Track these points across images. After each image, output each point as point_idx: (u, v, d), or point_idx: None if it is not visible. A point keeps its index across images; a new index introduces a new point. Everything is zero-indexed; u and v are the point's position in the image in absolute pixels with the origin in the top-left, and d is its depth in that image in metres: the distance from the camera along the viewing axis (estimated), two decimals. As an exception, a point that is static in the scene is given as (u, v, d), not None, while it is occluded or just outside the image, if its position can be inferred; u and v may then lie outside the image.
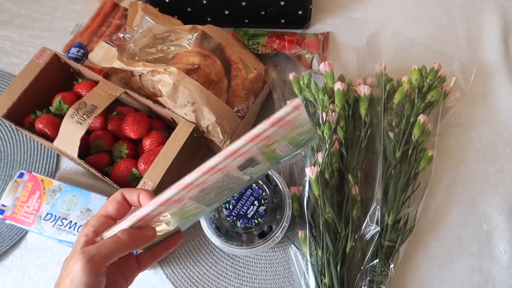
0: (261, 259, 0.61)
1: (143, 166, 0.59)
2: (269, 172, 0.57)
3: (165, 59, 0.64)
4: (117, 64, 0.62)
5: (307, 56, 0.70)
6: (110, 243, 0.35)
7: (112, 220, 0.39)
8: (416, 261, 0.60)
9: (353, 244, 0.56)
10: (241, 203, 0.55)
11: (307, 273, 0.56)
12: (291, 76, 0.65)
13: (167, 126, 0.67)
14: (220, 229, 0.55)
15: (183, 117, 0.60)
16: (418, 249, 0.60)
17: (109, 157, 0.63)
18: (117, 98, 0.62)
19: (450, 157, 0.65)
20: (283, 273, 0.60)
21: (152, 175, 0.56)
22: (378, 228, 0.55)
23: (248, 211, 0.55)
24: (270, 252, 0.61)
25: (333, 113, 0.60)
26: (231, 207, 0.55)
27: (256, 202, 0.55)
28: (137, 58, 0.65)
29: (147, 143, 0.62)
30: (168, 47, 0.64)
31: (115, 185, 0.58)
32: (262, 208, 0.55)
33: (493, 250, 0.59)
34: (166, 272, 0.61)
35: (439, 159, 0.64)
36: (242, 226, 0.54)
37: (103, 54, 0.67)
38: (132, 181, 0.59)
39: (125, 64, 0.62)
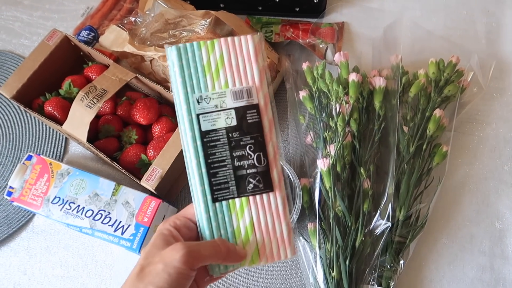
0: (268, 250, 0.61)
1: (152, 152, 0.58)
2: (281, 162, 0.56)
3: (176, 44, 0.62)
4: (128, 48, 0.61)
5: (321, 46, 0.69)
6: (210, 248, 0.36)
7: (191, 223, 0.39)
8: (426, 257, 0.59)
9: (363, 238, 0.55)
10: (250, 193, 0.54)
11: (315, 266, 0.56)
12: (304, 65, 0.64)
13: (177, 113, 0.66)
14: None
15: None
16: (428, 245, 0.59)
17: (118, 143, 0.62)
18: (127, 83, 0.61)
19: (465, 153, 0.64)
20: (290, 265, 0.60)
21: (161, 162, 0.55)
22: (389, 224, 0.54)
23: (258, 202, 0.54)
24: (277, 244, 0.61)
25: (347, 105, 0.58)
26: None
27: (266, 193, 0.54)
28: (148, 43, 0.63)
29: (156, 129, 0.61)
30: (180, 32, 0.63)
31: (123, 171, 0.57)
32: (272, 199, 0.54)
33: (505, 249, 0.58)
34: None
35: (453, 155, 0.63)
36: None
37: (114, 38, 0.66)
38: (141, 167, 0.59)
39: (137, 48, 0.61)
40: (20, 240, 0.63)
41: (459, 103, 0.63)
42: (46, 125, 0.70)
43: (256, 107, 0.39)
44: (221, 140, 0.38)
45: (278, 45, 0.69)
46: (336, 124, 0.57)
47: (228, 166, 0.38)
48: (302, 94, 0.64)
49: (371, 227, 0.56)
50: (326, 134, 0.58)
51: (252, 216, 0.39)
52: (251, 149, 0.39)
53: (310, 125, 0.64)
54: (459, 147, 0.64)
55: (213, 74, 0.39)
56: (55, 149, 0.68)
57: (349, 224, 0.56)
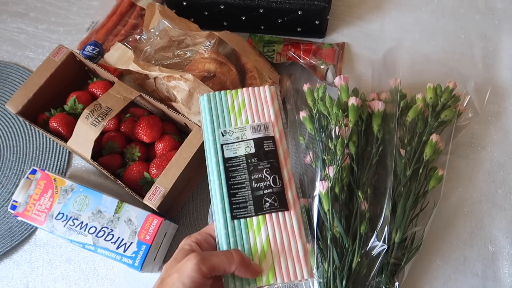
0: (266, 268, 0.62)
1: (155, 170, 0.60)
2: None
3: (181, 65, 0.64)
4: (133, 67, 0.62)
5: (322, 67, 0.70)
6: (222, 256, 0.38)
7: (212, 239, 0.42)
8: (421, 278, 0.60)
9: (360, 259, 0.56)
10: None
11: (313, 286, 0.57)
12: (305, 87, 0.65)
13: (180, 130, 0.67)
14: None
15: (197, 124, 0.60)
16: (423, 266, 0.61)
17: (121, 159, 0.63)
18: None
19: (460, 176, 0.66)
20: (287, 284, 0.61)
21: (164, 181, 0.57)
22: (385, 246, 0.55)
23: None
24: (275, 262, 0.62)
25: (346, 128, 0.60)
26: (240, 217, 0.56)
27: (265, 214, 0.55)
28: (153, 61, 0.65)
29: (159, 147, 0.62)
30: (184, 53, 0.64)
31: (127, 189, 0.58)
32: (271, 220, 0.55)
33: (498, 272, 0.60)
34: (172, 275, 0.62)
35: (449, 178, 0.65)
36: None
37: (119, 55, 0.67)
38: (143, 185, 0.60)
39: (141, 67, 0.62)
40: (23, 253, 0.64)
41: (455, 126, 0.65)
42: (50, 139, 0.71)
43: (272, 138, 0.45)
44: (241, 165, 0.44)
45: (280, 65, 0.70)
46: (335, 147, 0.59)
47: (247, 187, 0.43)
48: (302, 114, 0.65)
49: (367, 249, 0.57)
50: (325, 156, 0.59)
51: (269, 233, 0.42)
52: (267, 172, 0.44)
53: (309, 145, 0.65)
54: (454, 170, 0.65)
55: (236, 114, 0.47)
56: (59, 162, 0.69)
57: (346, 246, 0.57)
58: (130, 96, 0.62)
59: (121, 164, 0.63)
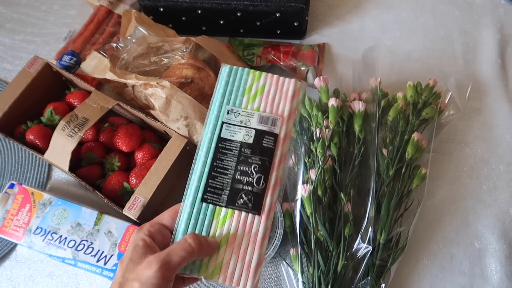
0: (252, 275, 0.61)
1: (134, 180, 0.59)
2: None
3: (158, 72, 0.63)
4: (110, 76, 0.61)
5: (302, 68, 0.70)
6: (181, 251, 0.36)
7: (166, 229, 0.40)
8: (407, 279, 0.60)
9: (345, 262, 0.56)
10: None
11: (298, 290, 0.56)
12: (285, 89, 0.65)
13: (160, 138, 0.66)
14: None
15: (175, 132, 0.59)
16: (409, 266, 0.60)
17: (101, 169, 0.62)
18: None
19: (444, 174, 0.65)
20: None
21: (143, 191, 0.56)
22: (370, 248, 0.55)
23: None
24: (261, 268, 0.61)
25: (327, 130, 0.59)
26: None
27: (247, 220, 0.55)
28: (130, 69, 0.64)
29: (139, 156, 0.61)
30: (161, 59, 0.63)
31: (106, 200, 0.57)
32: (253, 226, 0.54)
33: (485, 269, 0.59)
34: None
35: (432, 176, 0.64)
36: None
37: (95, 65, 0.67)
38: (123, 195, 0.59)
39: (117, 75, 0.61)
40: (3, 270, 0.62)
41: (437, 124, 0.64)
42: (28, 152, 0.70)
43: (275, 136, 0.42)
44: (233, 151, 0.42)
45: (260, 69, 0.70)
46: (316, 150, 0.58)
47: (229, 176, 0.41)
48: (284, 117, 0.64)
49: (352, 251, 0.56)
50: (306, 160, 0.59)
51: (231, 230, 0.40)
52: (255, 169, 0.41)
53: (291, 148, 0.64)
54: (438, 167, 0.65)
55: (250, 97, 0.44)
56: (38, 175, 0.68)
57: (331, 249, 0.56)
58: (107, 106, 0.61)
59: (100, 174, 0.62)
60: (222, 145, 0.42)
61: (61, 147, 0.58)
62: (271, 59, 0.72)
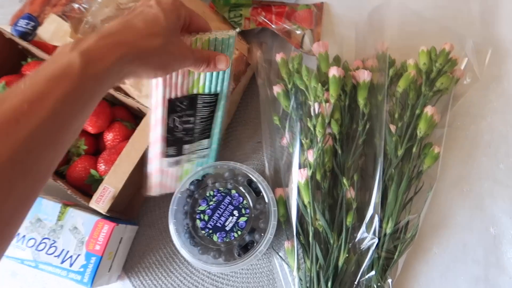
0: (242, 269, 0.55)
1: (103, 166, 0.50)
2: (251, 176, 0.49)
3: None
4: (70, 43, 0.51)
5: (297, 32, 0.60)
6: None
7: None
8: (415, 270, 0.54)
9: (347, 255, 0.49)
10: (218, 213, 0.47)
11: (293, 286, 0.50)
12: (278, 57, 0.56)
13: (134, 116, 0.58)
14: (195, 240, 0.47)
15: (149, 108, 0.50)
16: (417, 256, 0.54)
17: (65, 154, 0.54)
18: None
19: (457, 151, 0.58)
20: (267, 285, 0.54)
21: (113, 180, 0.48)
22: (376, 239, 0.48)
23: (226, 223, 0.47)
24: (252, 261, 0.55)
25: (327, 104, 0.51)
26: (206, 217, 0.47)
27: (235, 212, 0.47)
28: (94, 34, 0.54)
29: (109, 137, 0.53)
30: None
31: (69, 191, 0.49)
32: (242, 219, 0.47)
33: (501, 258, 0.53)
34: (134, 284, 0.55)
35: (444, 154, 0.56)
36: (219, 240, 0.47)
37: (54, 30, 0.56)
38: (91, 184, 0.51)
39: (79, 43, 0.51)
40: (-41, 268, 0.55)
41: (452, 95, 0.56)
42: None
43: None
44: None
45: (249, 33, 0.60)
46: (314, 128, 0.50)
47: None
48: (276, 89, 0.56)
49: (355, 243, 0.50)
50: (303, 139, 0.51)
51: None
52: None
53: (285, 125, 0.56)
54: (450, 144, 0.57)
55: None
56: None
57: (331, 241, 0.49)
58: (68, 79, 0.51)
59: (64, 160, 0.54)
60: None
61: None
62: (262, 22, 0.62)
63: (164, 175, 0.49)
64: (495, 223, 0.55)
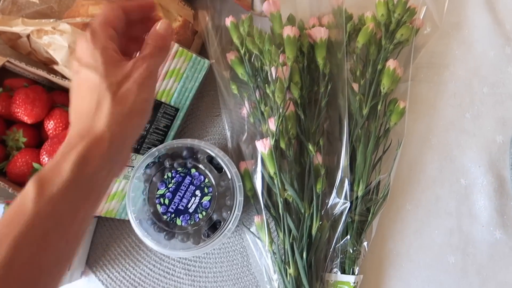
0: (214, 249, 0.52)
1: (47, 158, 0.46)
2: (211, 152, 0.45)
3: (57, 12, 0.47)
4: (-12, 24, 0.45)
5: (247, -8, 0.56)
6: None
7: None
8: (390, 229, 0.53)
9: (320, 223, 0.47)
10: (179, 196, 0.44)
11: (268, 265, 0.48)
12: (228, 21, 0.51)
13: (77, 100, 0.52)
14: (159, 226, 0.44)
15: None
16: (390, 215, 0.53)
17: (3, 148, 0.48)
18: (4, 67, 0.46)
19: (422, 104, 0.56)
20: (241, 262, 0.52)
21: (58, 172, 0.43)
22: (348, 203, 0.47)
23: (189, 205, 0.44)
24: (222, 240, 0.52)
25: (284, 67, 0.47)
26: (167, 201, 0.44)
27: (198, 192, 0.44)
28: (17, 11, 0.48)
29: (50, 126, 0.48)
30: (57, -6, 0.48)
31: (10, 190, 0.44)
32: (206, 199, 0.44)
33: (472, 207, 0.53)
34: (101, 278, 0.51)
35: (410, 108, 0.55)
36: (184, 224, 0.43)
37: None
38: (36, 179, 0.46)
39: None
40: None
41: (413, 46, 0.54)
42: None
43: None
44: None
45: (194, -3, 0.55)
46: (273, 94, 0.47)
47: None
48: (230, 57, 0.52)
49: (327, 209, 0.48)
50: (263, 107, 0.48)
51: None
52: None
53: (244, 94, 0.52)
54: (415, 97, 0.56)
55: None
56: None
57: (303, 210, 0.47)
58: (-7, 65, 0.46)
59: (3, 155, 0.48)
60: None
61: None
62: (207, -16, 0.57)
63: None
64: (465, 173, 0.54)
